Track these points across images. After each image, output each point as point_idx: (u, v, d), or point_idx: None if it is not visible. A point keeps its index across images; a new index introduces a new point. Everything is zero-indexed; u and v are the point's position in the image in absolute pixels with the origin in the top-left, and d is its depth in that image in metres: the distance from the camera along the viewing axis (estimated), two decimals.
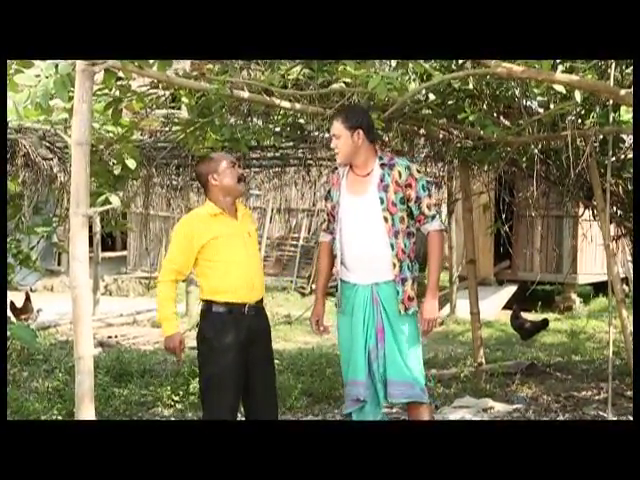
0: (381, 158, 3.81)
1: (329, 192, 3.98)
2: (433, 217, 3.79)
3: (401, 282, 3.74)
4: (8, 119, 4.92)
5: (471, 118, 4.72)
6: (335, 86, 4.31)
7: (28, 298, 8.37)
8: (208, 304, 3.76)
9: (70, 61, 3.20)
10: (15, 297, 8.31)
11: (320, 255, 4.10)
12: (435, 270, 3.83)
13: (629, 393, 5.56)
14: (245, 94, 4.11)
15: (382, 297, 3.74)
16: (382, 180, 3.75)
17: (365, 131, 3.74)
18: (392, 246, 3.72)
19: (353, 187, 3.83)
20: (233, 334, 3.68)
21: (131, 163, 4.71)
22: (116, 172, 4.79)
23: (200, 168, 3.87)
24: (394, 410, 5.39)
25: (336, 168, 3.99)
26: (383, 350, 3.71)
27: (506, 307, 11.11)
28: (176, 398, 5.71)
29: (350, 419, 3.85)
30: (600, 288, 11.56)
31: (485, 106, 4.99)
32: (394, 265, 3.73)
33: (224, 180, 3.77)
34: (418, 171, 3.84)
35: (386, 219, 3.73)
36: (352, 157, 3.79)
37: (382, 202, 3.73)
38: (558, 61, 4.04)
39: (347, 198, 3.84)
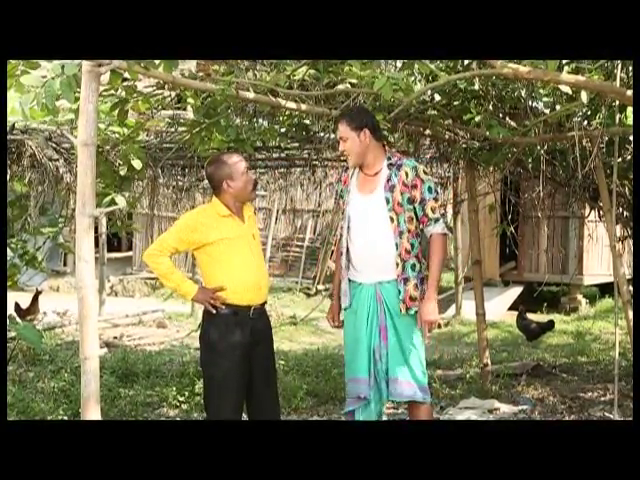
0: (389, 158, 3.83)
1: (341, 192, 3.97)
2: (436, 220, 3.78)
3: (403, 282, 3.76)
4: (14, 120, 4.94)
5: (477, 119, 4.72)
6: (341, 87, 4.31)
7: (36, 299, 8.35)
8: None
9: (76, 62, 3.20)
10: (22, 298, 8.31)
11: (337, 256, 4.08)
12: (435, 272, 3.79)
13: None
14: (251, 95, 4.11)
15: (385, 296, 3.77)
16: (389, 180, 3.77)
17: (371, 130, 3.76)
18: (396, 246, 3.75)
19: (362, 186, 3.85)
20: (238, 337, 3.67)
21: (137, 164, 4.72)
22: (122, 173, 4.80)
23: (213, 171, 3.77)
24: (400, 411, 5.38)
25: (347, 168, 3.99)
26: (386, 349, 3.75)
27: (512, 308, 11.08)
28: (182, 399, 5.71)
29: (351, 418, 3.84)
30: (606, 289, 11.54)
31: (491, 107, 4.98)
32: (397, 264, 3.75)
33: (239, 187, 3.74)
34: (425, 172, 3.83)
35: (392, 219, 3.75)
36: (363, 158, 3.80)
37: (388, 202, 3.75)
38: (564, 62, 4.03)
39: (356, 197, 3.86)
